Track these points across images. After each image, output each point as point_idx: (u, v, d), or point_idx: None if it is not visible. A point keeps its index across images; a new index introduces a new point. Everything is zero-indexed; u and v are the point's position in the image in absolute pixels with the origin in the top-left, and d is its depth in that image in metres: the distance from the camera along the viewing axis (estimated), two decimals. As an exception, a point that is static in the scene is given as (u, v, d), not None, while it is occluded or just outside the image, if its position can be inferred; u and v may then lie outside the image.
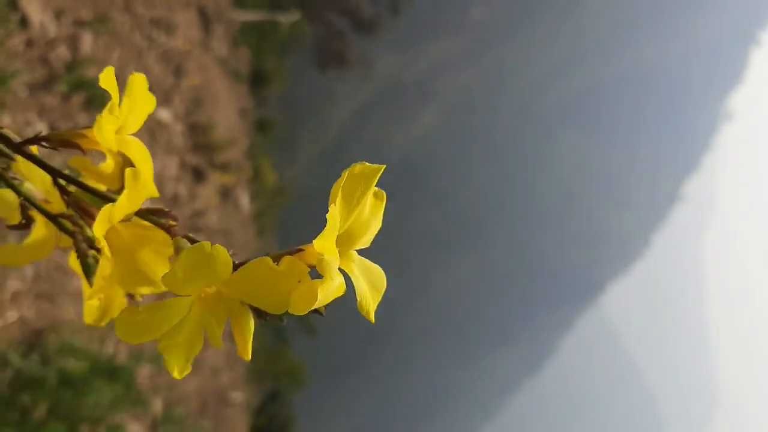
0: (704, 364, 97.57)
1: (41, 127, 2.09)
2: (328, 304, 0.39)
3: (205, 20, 4.17)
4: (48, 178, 0.43)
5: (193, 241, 0.41)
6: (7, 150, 0.42)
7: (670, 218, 58.88)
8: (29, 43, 2.03)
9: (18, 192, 0.43)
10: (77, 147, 0.44)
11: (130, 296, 0.45)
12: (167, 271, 0.36)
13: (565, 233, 43.34)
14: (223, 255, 0.36)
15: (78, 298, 2.21)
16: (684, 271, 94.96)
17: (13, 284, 1.95)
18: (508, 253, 39.13)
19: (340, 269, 0.40)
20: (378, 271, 0.45)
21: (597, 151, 47.47)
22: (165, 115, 2.83)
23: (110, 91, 0.41)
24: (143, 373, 2.48)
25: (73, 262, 0.45)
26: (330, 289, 0.38)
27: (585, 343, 61.71)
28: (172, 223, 0.42)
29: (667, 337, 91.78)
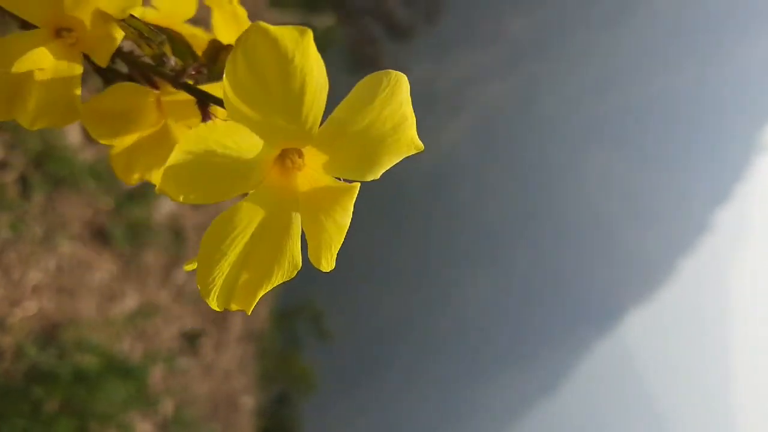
0: (723, 399, 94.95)
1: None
2: None
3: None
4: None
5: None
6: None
7: (696, 247, 57.66)
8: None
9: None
10: None
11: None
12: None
13: (588, 254, 42.74)
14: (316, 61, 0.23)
15: (97, 293, 2.20)
16: (708, 301, 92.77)
17: (36, 276, 1.95)
18: (529, 270, 38.73)
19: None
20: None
21: (626, 172, 46.79)
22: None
23: None
24: (156, 373, 2.46)
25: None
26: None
27: (601, 367, 60.62)
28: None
29: (685, 367, 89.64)
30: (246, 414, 3.44)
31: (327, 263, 0.29)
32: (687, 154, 53.37)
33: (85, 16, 0.34)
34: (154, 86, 0.37)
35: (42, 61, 0.34)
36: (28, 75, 0.34)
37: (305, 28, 0.24)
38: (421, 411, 36.18)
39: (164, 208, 2.56)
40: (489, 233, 34.27)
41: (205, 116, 0.33)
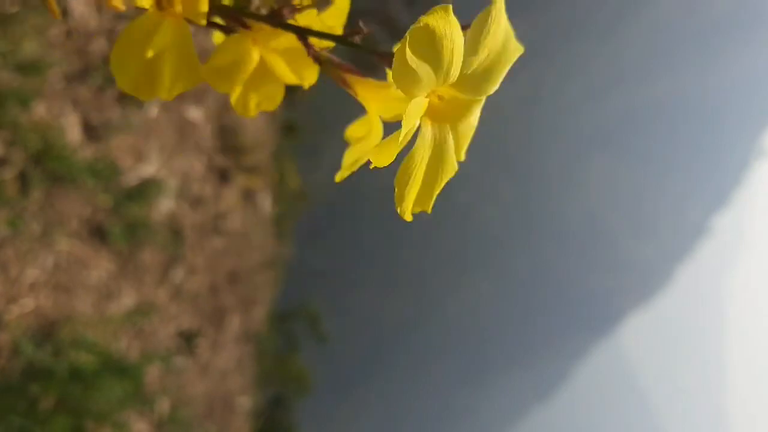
0: (720, 405, 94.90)
1: (74, 119, 2.09)
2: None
3: (244, 22, 4.18)
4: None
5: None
6: None
7: (695, 252, 57.67)
8: (69, 34, 2.05)
9: None
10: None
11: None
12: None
13: (587, 259, 42.76)
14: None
15: (94, 291, 2.20)
16: (706, 306, 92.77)
17: (33, 273, 1.95)
18: (527, 275, 38.73)
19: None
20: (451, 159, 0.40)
21: (625, 177, 46.86)
22: (196, 114, 2.84)
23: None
24: (153, 372, 2.46)
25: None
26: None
27: (598, 373, 60.55)
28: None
29: (682, 373, 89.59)
30: (242, 415, 3.44)
31: (463, 154, 0.41)
32: (685, 159, 53.48)
33: None
34: (247, 27, 0.42)
35: (163, 40, 0.40)
36: (159, 55, 0.40)
37: (447, 6, 0.33)
38: (417, 415, 36.11)
39: (163, 207, 2.56)
40: (488, 237, 34.30)
41: (307, 47, 0.41)
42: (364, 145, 0.47)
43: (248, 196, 3.97)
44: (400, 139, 0.35)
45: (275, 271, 4.24)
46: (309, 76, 0.46)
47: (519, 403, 45.12)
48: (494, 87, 0.39)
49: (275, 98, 0.47)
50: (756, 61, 54.38)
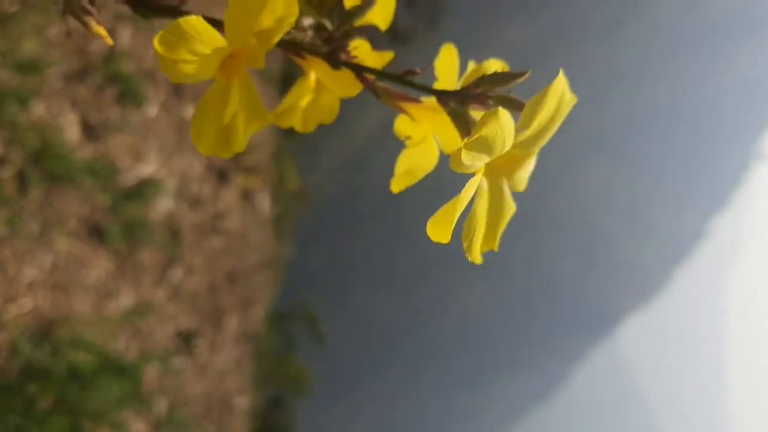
0: (719, 408, 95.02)
1: (73, 118, 2.09)
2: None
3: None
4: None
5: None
6: None
7: (693, 254, 57.74)
8: (68, 34, 2.05)
9: None
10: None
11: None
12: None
13: (584, 261, 42.83)
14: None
15: (93, 291, 2.20)
16: (704, 309, 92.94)
17: (31, 272, 1.94)
18: (524, 277, 38.78)
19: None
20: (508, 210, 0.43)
21: (624, 179, 46.95)
22: (196, 114, 2.83)
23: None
24: (151, 372, 2.46)
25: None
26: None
27: (596, 375, 60.57)
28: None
29: (681, 376, 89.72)
30: (240, 415, 3.43)
31: (524, 186, 0.44)
32: (684, 161, 53.55)
33: (247, 41, 0.41)
34: (303, 58, 0.45)
35: (235, 103, 0.42)
36: (233, 117, 0.43)
37: (496, 111, 0.37)
38: (416, 415, 36.12)
39: (161, 207, 2.55)
40: (486, 238, 34.29)
41: (364, 82, 0.45)
42: (419, 157, 0.49)
43: (247, 196, 3.97)
44: (455, 216, 0.37)
45: (274, 272, 4.23)
46: (356, 90, 0.48)
47: (518, 404, 45.10)
48: (548, 139, 0.41)
49: (333, 110, 0.51)
50: (754, 64, 54.47)
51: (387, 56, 0.47)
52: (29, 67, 1.87)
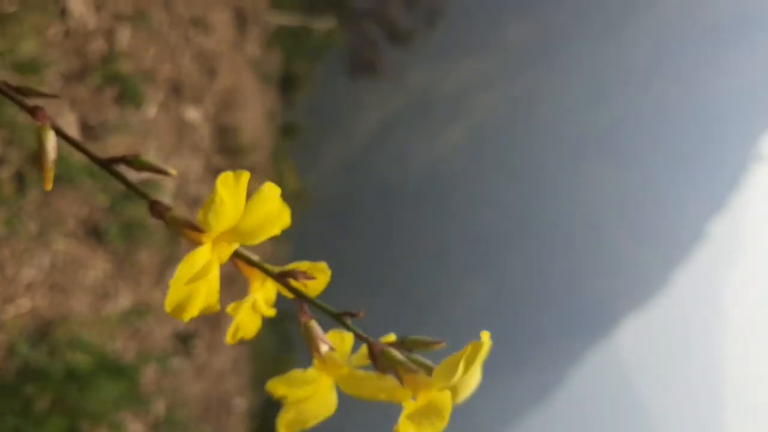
0: (716, 410, 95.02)
1: (72, 119, 2.09)
2: None
3: (242, 21, 4.19)
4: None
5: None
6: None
7: (693, 256, 57.77)
8: (67, 34, 2.04)
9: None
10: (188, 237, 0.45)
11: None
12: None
13: (584, 262, 42.80)
14: None
15: (91, 291, 2.19)
16: (703, 310, 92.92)
17: (29, 273, 1.94)
18: (523, 277, 38.75)
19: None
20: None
21: (623, 181, 46.95)
22: (194, 115, 2.84)
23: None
24: (149, 372, 2.45)
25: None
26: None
27: (595, 376, 60.56)
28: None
29: (679, 376, 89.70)
30: (238, 416, 3.43)
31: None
32: (684, 164, 53.60)
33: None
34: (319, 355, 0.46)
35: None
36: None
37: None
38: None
39: (160, 208, 2.54)
40: (483, 241, 34.31)
41: (301, 311, 0.47)
42: (313, 408, 0.46)
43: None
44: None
45: (272, 272, 4.21)
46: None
47: (517, 405, 45.09)
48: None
49: (254, 330, 0.52)
50: (754, 67, 54.56)
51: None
52: (28, 67, 1.87)
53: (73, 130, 2.10)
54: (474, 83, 28.00)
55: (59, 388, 1.98)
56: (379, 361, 0.42)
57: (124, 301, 2.34)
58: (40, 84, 1.93)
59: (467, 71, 26.69)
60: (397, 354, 0.42)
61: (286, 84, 6.58)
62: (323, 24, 7.73)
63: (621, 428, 74.62)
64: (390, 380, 0.43)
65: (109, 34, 2.19)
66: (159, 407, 2.48)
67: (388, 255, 25.98)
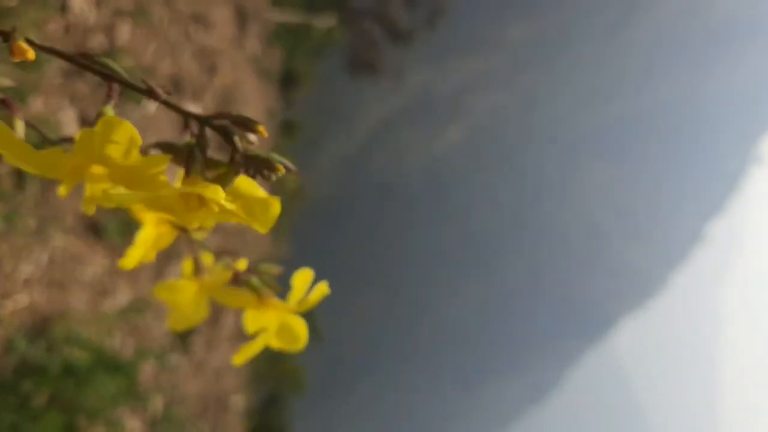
0: (713, 412, 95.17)
1: (72, 114, 2.08)
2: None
3: (242, 18, 4.19)
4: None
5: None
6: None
7: (690, 258, 57.83)
8: (67, 29, 2.04)
9: None
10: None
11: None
12: None
13: (582, 264, 42.83)
14: None
15: (89, 287, 2.19)
16: (700, 312, 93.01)
17: (27, 269, 1.94)
18: (521, 278, 38.76)
19: None
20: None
21: (622, 183, 46.98)
22: (195, 111, 2.82)
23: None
24: (147, 369, 2.45)
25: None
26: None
27: (592, 378, 60.61)
28: None
29: (676, 378, 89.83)
30: (236, 414, 3.43)
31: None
32: (681, 165, 53.64)
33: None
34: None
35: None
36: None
37: None
38: (411, 416, 36.09)
39: (159, 205, 2.54)
40: (481, 241, 34.32)
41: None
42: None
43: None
44: None
45: (271, 270, 4.21)
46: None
47: (513, 406, 45.11)
48: None
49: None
50: (752, 69, 54.58)
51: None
52: (28, 63, 1.86)
53: (72, 126, 2.09)
54: (474, 83, 27.98)
55: (57, 384, 1.97)
56: (241, 283, 0.56)
57: (122, 297, 2.34)
58: (40, 80, 1.93)
59: (468, 71, 26.66)
60: (256, 281, 0.56)
61: (286, 82, 6.57)
62: (324, 22, 7.72)
63: (617, 430, 74.71)
64: (242, 292, 0.56)
65: (110, 30, 2.19)
66: (157, 404, 2.48)
67: (388, 254, 25.97)
